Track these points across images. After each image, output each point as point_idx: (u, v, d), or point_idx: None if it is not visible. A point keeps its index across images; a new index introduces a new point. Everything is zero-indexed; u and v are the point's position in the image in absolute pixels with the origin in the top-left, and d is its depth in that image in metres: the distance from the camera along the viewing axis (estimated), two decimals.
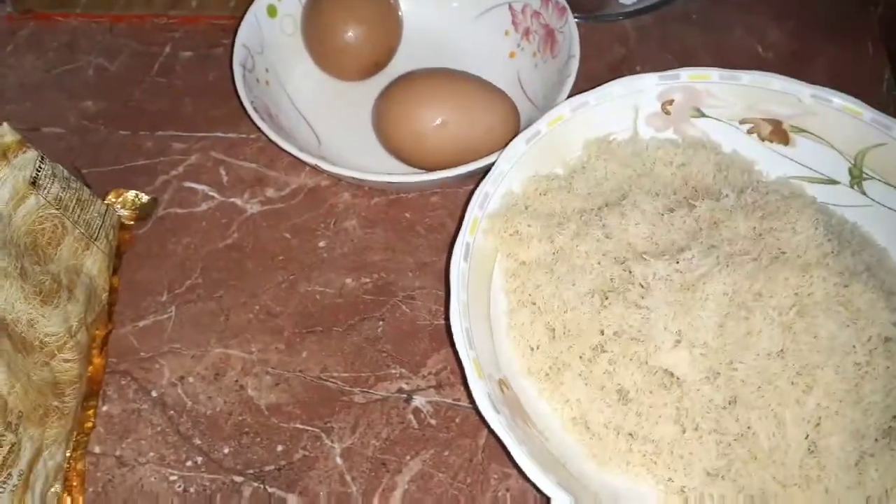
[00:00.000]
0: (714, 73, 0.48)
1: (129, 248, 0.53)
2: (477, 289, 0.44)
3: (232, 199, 0.55)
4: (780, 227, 0.40)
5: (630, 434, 0.41)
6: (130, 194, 0.54)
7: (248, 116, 0.51)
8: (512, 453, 0.37)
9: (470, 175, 0.50)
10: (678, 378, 0.39)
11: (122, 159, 0.57)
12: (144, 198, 0.54)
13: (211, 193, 0.55)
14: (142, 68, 0.62)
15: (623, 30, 0.63)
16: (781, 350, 0.37)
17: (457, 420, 0.47)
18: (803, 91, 0.47)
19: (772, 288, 0.38)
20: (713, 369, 0.38)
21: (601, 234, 0.44)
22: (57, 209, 0.46)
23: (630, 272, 0.42)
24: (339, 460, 0.45)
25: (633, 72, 0.55)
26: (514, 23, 0.59)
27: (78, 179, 0.49)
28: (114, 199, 0.54)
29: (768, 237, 0.40)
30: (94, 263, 0.48)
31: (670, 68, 0.49)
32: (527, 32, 0.58)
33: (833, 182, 0.48)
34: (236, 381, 0.48)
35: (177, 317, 0.50)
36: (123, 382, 0.48)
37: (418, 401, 0.47)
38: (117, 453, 0.46)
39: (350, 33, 0.55)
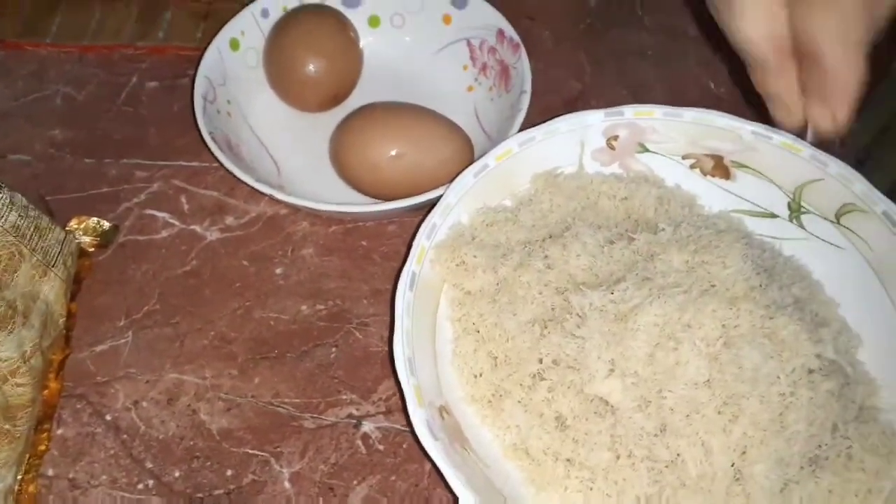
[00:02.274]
0: (657, 111, 0.49)
1: (89, 274, 0.54)
2: (422, 317, 0.45)
3: (192, 227, 0.56)
4: (710, 261, 0.41)
5: (568, 460, 0.42)
6: (92, 221, 0.55)
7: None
8: (447, 479, 0.38)
9: (424, 206, 0.51)
10: (612, 406, 0.40)
11: (86, 187, 0.58)
12: (106, 225, 0.55)
13: (171, 221, 0.56)
14: (109, 97, 0.63)
15: (579, 65, 0.64)
16: (708, 380, 0.38)
17: (404, 445, 0.48)
18: (744, 128, 0.49)
19: (700, 319, 0.39)
20: (644, 398, 0.39)
21: (543, 265, 0.45)
22: (14, 237, 0.47)
23: (568, 302, 0.43)
24: (287, 485, 0.46)
25: (588, 106, 0.57)
26: (472, 58, 0.61)
27: (38, 207, 0.50)
28: (76, 226, 0.55)
29: (699, 270, 0.41)
30: (52, 290, 0.49)
31: (624, 103, 0.51)
32: (484, 67, 0.60)
33: (773, 216, 0.50)
34: (189, 405, 0.49)
35: (133, 342, 0.51)
36: (79, 406, 0.49)
37: (367, 426, 0.48)
38: (70, 476, 0.47)
39: (311, 66, 0.57)
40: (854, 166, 0.47)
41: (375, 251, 0.55)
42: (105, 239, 0.55)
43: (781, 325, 0.39)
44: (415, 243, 0.46)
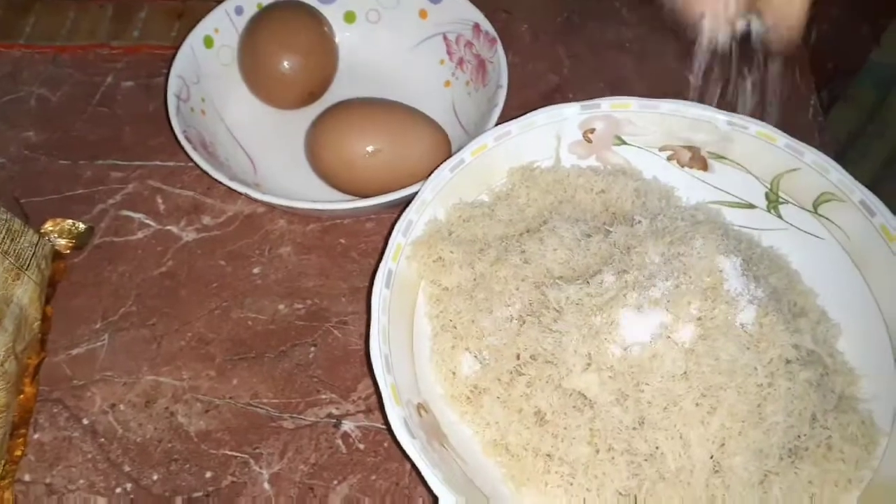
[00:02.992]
0: (633, 102, 0.49)
1: (64, 276, 0.53)
2: (399, 314, 0.45)
3: (168, 227, 0.55)
4: (685, 253, 0.41)
5: (547, 455, 0.42)
6: (67, 223, 0.55)
7: None
8: (425, 476, 0.38)
9: (402, 202, 0.51)
10: (590, 400, 0.40)
11: (61, 188, 0.58)
12: (81, 226, 0.55)
13: (147, 221, 0.56)
14: (84, 98, 0.63)
15: (557, 59, 0.64)
16: (685, 372, 0.38)
17: (385, 444, 0.47)
18: (719, 118, 0.48)
19: (676, 312, 0.39)
20: (622, 391, 0.39)
21: (520, 260, 0.45)
22: None
23: (545, 296, 0.42)
24: (266, 486, 0.46)
25: (566, 99, 0.57)
26: (448, 52, 0.60)
27: (12, 210, 0.50)
28: (51, 228, 0.54)
29: (675, 262, 0.41)
30: (25, 293, 0.49)
31: (603, 96, 0.50)
32: (461, 62, 0.60)
33: (751, 206, 0.49)
34: (167, 408, 0.49)
35: (110, 345, 0.51)
36: (55, 410, 0.48)
37: (347, 425, 0.48)
38: (47, 481, 0.46)
39: (285, 63, 0.56)
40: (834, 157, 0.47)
41: (354, 248, 0.55)
42: (80, 241, 0.54)
43: (758, 315, 0.39)
44: (391, 240, 0.46)
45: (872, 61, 0.82)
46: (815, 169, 0.47)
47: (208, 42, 0.58)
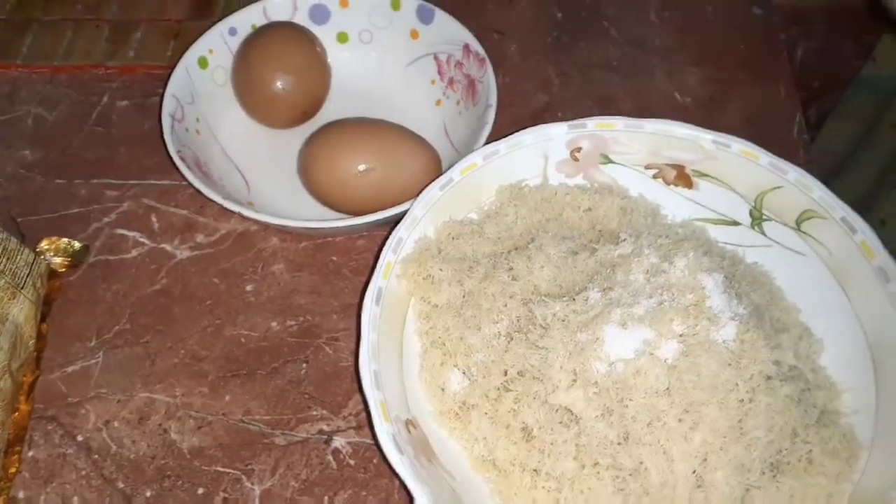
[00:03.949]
0: (619, 122, 0.50)
1: (60, 295, 0.54)
2: (389, 331, 0.45)
3: (162, 245, 0.56)
4: (669, 270, 0.42)
5: (534, 470, 0.42)
6: (63, 242, 0.55)
7: None
8: (412, 492, 0.39)
9: (393, 220, 0.51)
10: (576, 416, 0.41)
11: (57, 207, 0.58)
12: (77, 245, 0.55)
13: (141, 240, 0.56)
14: (80, 117, 0.64)
15: (547, 78, 0.65)
16: (668, 388, 0.39)
17: (375, 460, 0.48)
18: (704, 137, 0.49)
19: (658, 329, 0.39)
20: (607, 407, 0.40)
21: (508, 277, 0.46)
22: None
23: (532, 313, 0.43)
24: (258, 502, 0.47)
25: (555, 118, 0.57)
26: (439, 72, 0.61)
27: (8, 229, 0.50)
28: (46, 247, 0.55)
29: (659, 279, 0.41)
30: (21, 311, 0.49)
31: (591, 115, 0.51)
32: (451, 82, 0.60)
33: (735, 223, 0.50)
34: (160, 424, 0.49)
35: (104, 362, 0.51)
36: (50, 428, 0.49)
37: (338, 442, 0.49)
38: (42, 498, 0.47)
39: (278, 83, 0.57)
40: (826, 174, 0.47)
41: (346, 266, 0.55)
42: (76, 259, 0.55)
43: (739, 332, 0.39)
44: (381, 258, 0.46)
45: (864, 75, 0.82)
46: (797, 187, 0.48)
47: (203, 63, 0.59)
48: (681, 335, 0.39)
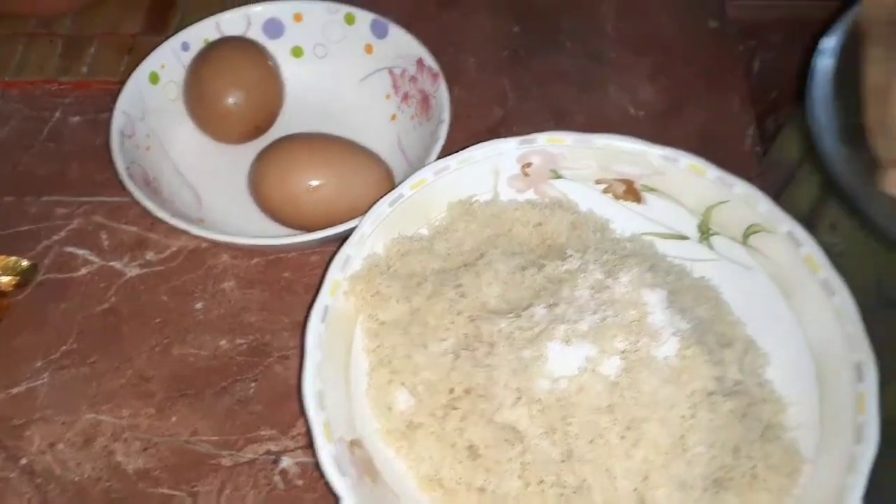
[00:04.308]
0: (568, 137, 0.50)
1: (6, 314, 0.53)
2: (336, 349, 0.45)
3: (112, 263, 0.56)
4: (612, 285, 0.42)
5: (480, 489, 0.42)
6: (11, 260, 0.55)
7: None
8: None
9: (343, 236, 0.51)
10: (521, 434, 0.41)
11: (6, 225, 0.58)
12: (25, 263, 0.55)
13: (91, 258, 0.56)
14: (31, 133, 0.63)
15: (503, 91, 0.65)
16: (609, 405, 0.39)
17: (323, 480, 0.47)
18: (652, 152, 0.49)
19: (601, 345, 0.39)
20: (550, 425, 0.40)
21: (455, 294, 0.45)
22: None
23: (479, 330, 0.43)
24: None
25: (511, 132, 0.57)
26: (394, 87, 0.61)
27: None
28: None
29: (603, 294, 0.41)
30: None
31: (547, 128, 0.51)
32: (406, 96, 0.60)
33: (683, 238, 0.50)
34: (106, 446, 0.48)
35: (50, 383, 0.51)
36: None
37: (286, 462, 0.48)
38: None
39: (230, 99, 0.57)
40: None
41: (298, 282, 0.55)
42: (24, 278, 0.54)
43: (680, 348, 0.39)
44: (327, 276, 0.46)
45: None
46: (744, 201, 0.48)
47: (154, 78, 0.59)
48: (623, 351, 0.39)
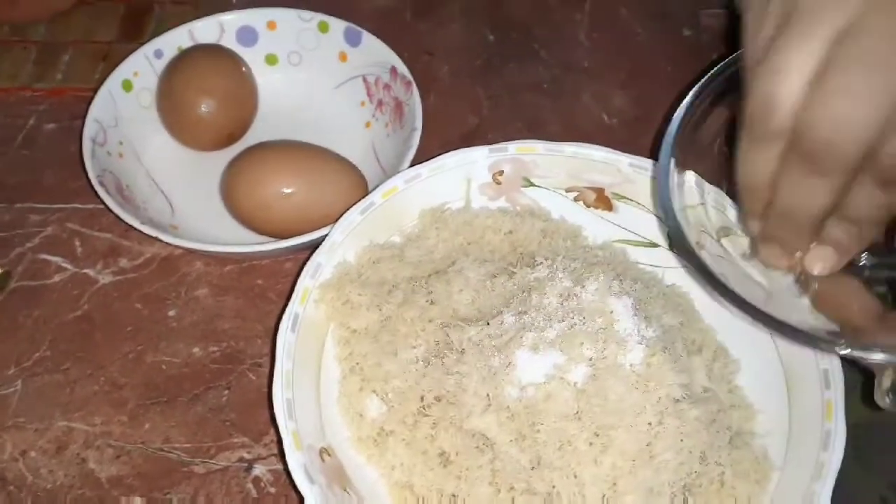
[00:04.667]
0: (539, 146, 0.50)
1: None
2: (306, 358, 0.45)
3: (85, 270, 0.55)
4: (579, 293, 0.42)
5: (452, 496, 0.42)
6: None
7: None
8: None
9: (315, 243, 0.51)
10: (490, 441, 0.41)
11: None
12: None
13: (64, 265, 0.56)
14: (5, 141, 0.62)
15: (477, 99, 0.65)
16: (577, 412, 0.39)
17: (296, 488, 0.47)
18: (622, 160, 0.50)
19: (569, 352, 0.40)
20: (519, 431, 0.40)
21: (426, 301, 0.46)
22: None
23: (449, 337, 0.43)
24: None
25: (485, 140, 0.58)
26: (368, 94, 0.61)
27: None
28: None
29: (571, 303, 0.42)
30: None
31: (520, 136, 0.52)
32: (380, 104, 0.61)
33: (654, 245, 0.51)
34: (78, 454, 0.48)
35: (23, 390, 0.51)
36: None
37: (259, 469, 0.48)
38: None
39: (203, 106, 0.57)
40: None
41: (271, 289, 0.55)
42: None
43: (646, 355, 0.40)
44: (298, 283, 0.46)
45: None
46: (714, 206, 0.48)
47: (127, 86, 0.59)
48: (590, 359, 0.40)
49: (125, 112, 0.58)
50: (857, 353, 0.36)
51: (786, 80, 0.33)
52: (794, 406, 0.44)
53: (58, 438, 0.49)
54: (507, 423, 0.40)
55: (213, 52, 0.59)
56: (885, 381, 0.38)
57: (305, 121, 0.62)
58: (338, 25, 0.61)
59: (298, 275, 0.47)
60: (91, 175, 0.52)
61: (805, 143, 0.33)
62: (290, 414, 0.41)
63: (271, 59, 0.63)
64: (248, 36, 0.62)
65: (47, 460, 0.48)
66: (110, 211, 0.56)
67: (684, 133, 0.44)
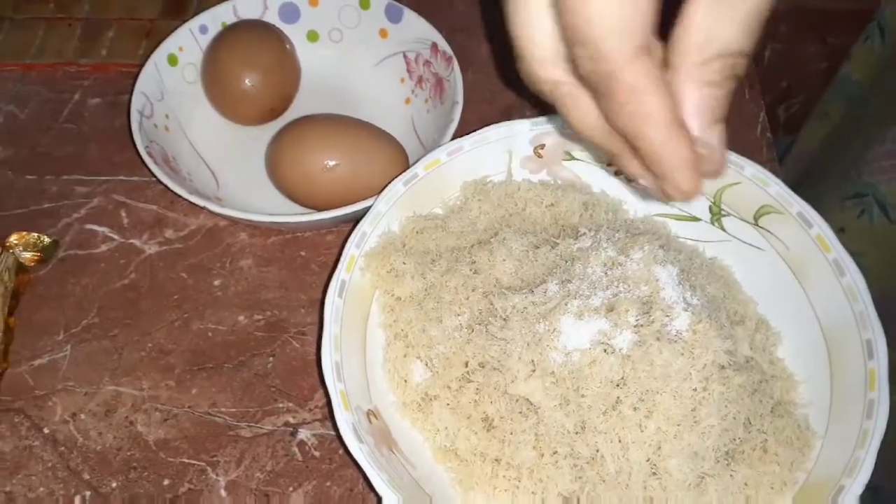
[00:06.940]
0: None
1: (29, 289, 0.54)
2: (352, 323, 0.46)
3: (131, 241, 0.57)
4: (624, 262, 0.42)
5: (495, 460, 0.43)
6: (32, 237, 0.56)
7: None
8: (370, 478, 0.39)
9: (358, 215, 0.52)
10: (534, 406, 0.41)
11: (27, 203, 0.59)
12: (46, 240, 0.56)
13: (111, 235, 0.57)
14: (51, 115, 0.64)
15: (515, 77, 0.66)
16: (622, 378, 0.39)
17: (339, 452, 0.48)
18: None
19: (613, 319, 0.40)
20: (564, 397, 0.41)
21: (469, 271, 0.46)
22: None
23: (493, 305, 0.44)
24: (223, 493, 0.47)
25: (522, 115, 0.58)
26: (408, 71, 0.62)
27: None
28: (16, 242, 0.55)
29: (615, 271, 0.42)
30: None
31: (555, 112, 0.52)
32: (420, 80, 0.61)
33: (695, 219, 0.51)
34: (126, 417, 0.49)
35: (72, 355, 0.52)
36: (17, 420, 0.49)
37: (303, 434, 0.49)
38: (7, 489, 0.47)
39: (247, 80, 0.58)
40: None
41: (314, 261, 0.56)
42: (45, 254, 0.55)
43: (692, 322, 0.40)
44: (344, 251, 0.47)
45: (842, 76, 0.83)
46: (755, 182, 0.49)
47: (172, 60, 0.60)
48: (635, 325, 0.40)
49: (171, 86, 0.59)
50: None
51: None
52: (836, 376, 0.44)
53: (106, 402, 0.50)
54: (551, 388, 0.41)
55: (256, 28, 0.60)
56: None
57: (345, 97, 0.63)
58: (379, 2, 0.61)
59: (342, 247, 0.48)
60: (139, 146, 0.53)
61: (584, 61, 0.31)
62: (338, 376, 0.42)
63: (312, 36, 0.64)
64: (290, 12, 0.63)
65: (96, 423, 0.49)
66: (156, 183, 0.58)
67: None
